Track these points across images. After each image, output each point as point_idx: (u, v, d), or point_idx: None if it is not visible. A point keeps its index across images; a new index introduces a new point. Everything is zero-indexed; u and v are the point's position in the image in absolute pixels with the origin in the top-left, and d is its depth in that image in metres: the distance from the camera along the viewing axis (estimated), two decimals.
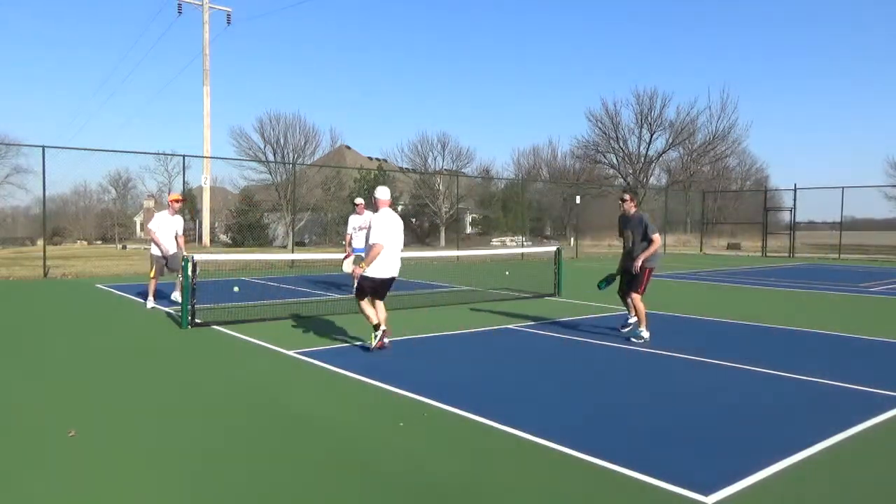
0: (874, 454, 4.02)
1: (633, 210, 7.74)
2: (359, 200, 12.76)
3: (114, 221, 55.11)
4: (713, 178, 48.15)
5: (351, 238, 12.31)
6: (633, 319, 7.76)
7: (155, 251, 10.59)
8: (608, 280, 8.19)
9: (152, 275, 10.57)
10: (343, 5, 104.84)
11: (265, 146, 42.68)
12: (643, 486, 3.47)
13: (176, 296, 10.56)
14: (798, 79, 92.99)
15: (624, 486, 3.47)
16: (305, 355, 6.71)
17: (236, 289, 10.19)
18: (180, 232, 10.83)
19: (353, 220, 12.44)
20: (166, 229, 10.62)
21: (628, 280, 7.73)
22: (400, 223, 6.96)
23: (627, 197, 7.78)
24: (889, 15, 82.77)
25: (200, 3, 25.28)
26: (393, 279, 6.90)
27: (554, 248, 13.02)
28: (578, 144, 46.79)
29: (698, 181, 43.43)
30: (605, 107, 52.39)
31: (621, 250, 7.99)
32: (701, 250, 32.75)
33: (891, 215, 46.59)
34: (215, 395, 5.28)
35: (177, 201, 10.84)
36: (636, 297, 7.62)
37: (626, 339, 7.63)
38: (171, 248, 10.54)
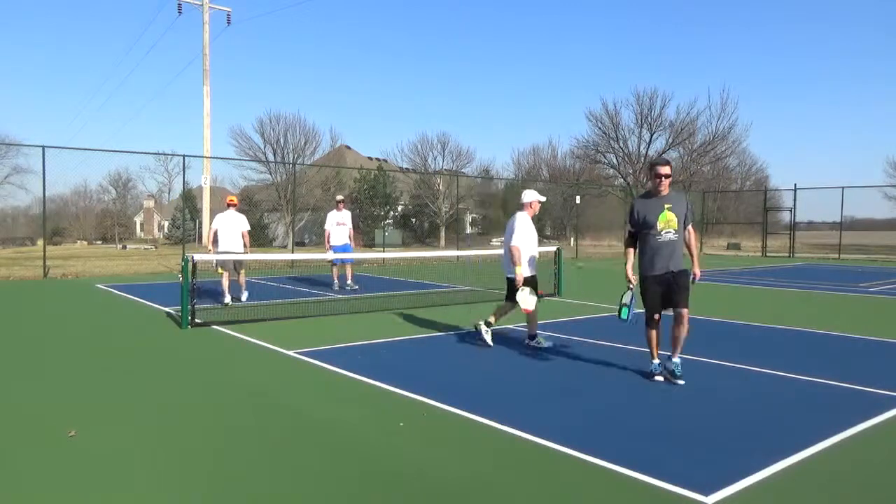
0: (874, 454, 4.02)
1: (666, 191, 5.65)
2: (339, 197, 13.38)
3: (114, 221, 55.11)
4: (713, 178, 48.14)
5: (330, 234, 12.81)
6: (676, 359, 5.68)
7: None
8: (628, 304, 5.85)
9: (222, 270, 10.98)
10: (343, 5, 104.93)
11: (265, 146, 42.65)
12: (643, 486, 3.47)
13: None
14: (798, 79, 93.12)
15: (624, 486, 3.47)
16: (305, 355, 6.71)
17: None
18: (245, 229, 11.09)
19: (332, 217, 13.01)
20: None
21: (675, 291, 5.59)
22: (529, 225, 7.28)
23: (668, 170, 5.57)
24: (889, 14, 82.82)
25: (200, 4, 25.27)
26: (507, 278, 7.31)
27: (554, 249, 13.01)
28: (578, 144, 46.74)
29: (698, 181, 43.42)
30: (605, 107, 52.24)
31: (612, 247, 6.24)
32: (700, 250, 32.73)
33: (891, 215, 46.64)
34: (215, 395, 5.28)
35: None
36: (687, 313, 5.61)
37: (655, 372, 5.81)
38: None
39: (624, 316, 5.90)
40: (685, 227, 5.67)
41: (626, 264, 5.89)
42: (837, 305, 11.58)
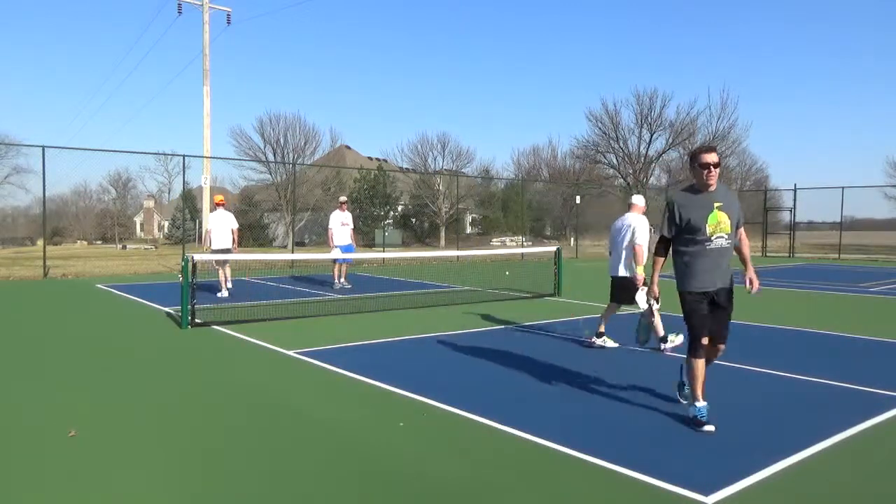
0: (874, 454, 4.02)
1: (715, 185, 4.46)
2: (343, 198, 14.11)
3: (114, 221, 55.09)
4: None
5: (333, 233, 13.24)
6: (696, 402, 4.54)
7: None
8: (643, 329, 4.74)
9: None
10: (343, 5, 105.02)
11: (265, 146, 42.64)
12: (643, 486, 3.47)
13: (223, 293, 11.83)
14: (798, 78, 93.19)
15: (624, 486, 3.47)
16: (305, 355, 6.71)
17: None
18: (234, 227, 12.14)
19: (336, 217, 13.51)
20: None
21: (718, 317, 4.59)
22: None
23: (717, 158, 4.41)
24: (889, 15, 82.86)
25: (200, 4, 25.26)
26: (613, 278, 7.30)
27: (554, 248, 13.02)
28: (578, 144, 46.58)
29: None
30: (605, 107, 52.10)
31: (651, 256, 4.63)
32: None
33: (891, 215, 46.64)
34: (215, 395, 5.28)
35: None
36: (723, 349, 4.72)
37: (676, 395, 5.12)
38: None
39: (642, 335, 4.70)
40: (737, 230, 4.55)
41: (652, 276, 4.72)
42: (837, 305, 11.58)
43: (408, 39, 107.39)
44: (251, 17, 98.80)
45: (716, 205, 4.41)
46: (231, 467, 3.72)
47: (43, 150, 15.67)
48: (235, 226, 12.03)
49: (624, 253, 7.13)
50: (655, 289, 4.76)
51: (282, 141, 42.54)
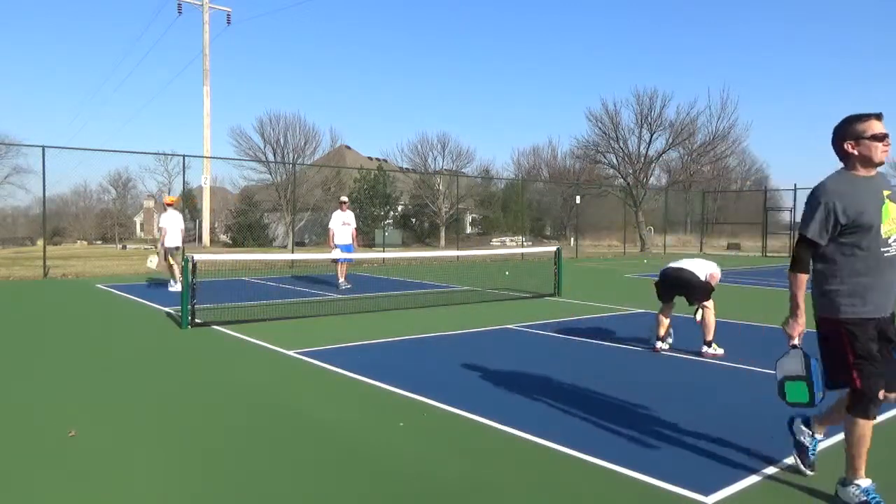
0: (874, 454, 4.01)
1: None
2: (343, 198, 14.41)
3: (114, 221, 55.13)
4: (713, 178, 48.06)
5: (334, 233, 13.41)
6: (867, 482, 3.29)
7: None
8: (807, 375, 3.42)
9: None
10: (343, 5, 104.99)
11: (265, 146, 42.62)
12: (643, 486, 3.47)
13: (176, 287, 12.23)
14: (798, 79, 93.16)
15: (624, 486, 3.47)
16: (305, 355, 6.71)
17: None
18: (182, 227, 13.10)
19: (338, 217, 13.73)
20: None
21: (888, 354, 3.25)
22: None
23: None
24: (889, 15, 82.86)
25: (200, 4, 25.26)
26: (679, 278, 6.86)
27: (554, 248, 13.02)
28: (578, 144, 46.44)
29: (698, 181, 43.33)
30: (605, 107, 51.95)
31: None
32: (701, 250, 32.74)
33: None
34: (215, 395, 5.28)
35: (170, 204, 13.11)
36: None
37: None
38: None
39: (803, 398, 3.39)
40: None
41: (796, 300, 3.49)
42: None
43: (408, 39, 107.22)
44: (251, 17, 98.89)
45: (885, 193, 3.13)
46: (231, 467, 3.72)
47: (43, 150, 15.68)
48: (182, 225, 13.12)
49: (698, 268, 6.87)
50: (801, 322, 3.49)
51: (282, 141, 42.56)
